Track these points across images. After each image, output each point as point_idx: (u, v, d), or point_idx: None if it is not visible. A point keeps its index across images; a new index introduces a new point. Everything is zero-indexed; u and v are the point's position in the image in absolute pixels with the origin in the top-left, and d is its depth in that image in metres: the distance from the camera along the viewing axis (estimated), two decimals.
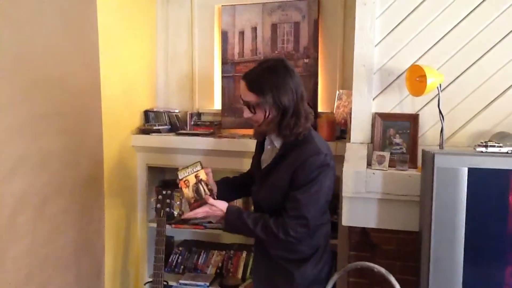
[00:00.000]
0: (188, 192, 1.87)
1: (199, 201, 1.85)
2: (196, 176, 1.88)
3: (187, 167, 1.89)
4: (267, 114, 1.75)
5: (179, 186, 1.88)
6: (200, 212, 1.83)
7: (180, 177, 1.88)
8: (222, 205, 1.84)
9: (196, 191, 1.87)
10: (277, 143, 1.86)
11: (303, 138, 1.80)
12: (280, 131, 1.79)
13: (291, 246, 1.85)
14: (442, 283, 1.71)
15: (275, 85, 1.72)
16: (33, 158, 2.10)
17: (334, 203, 2.65)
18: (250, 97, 1.75)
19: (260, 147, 1.98)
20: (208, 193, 1.88)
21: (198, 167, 1.89)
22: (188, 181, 1.87)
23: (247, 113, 1.80)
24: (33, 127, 2.09)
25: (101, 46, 2.54)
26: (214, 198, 1.86)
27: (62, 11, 2.25)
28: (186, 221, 3.12)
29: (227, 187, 2.06)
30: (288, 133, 1.76)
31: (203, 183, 1.88)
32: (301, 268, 1.87)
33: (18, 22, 1.99)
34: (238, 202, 3.04)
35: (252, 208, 2.10)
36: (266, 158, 1.91)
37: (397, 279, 1.72)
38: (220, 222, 1.87)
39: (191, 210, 1.85)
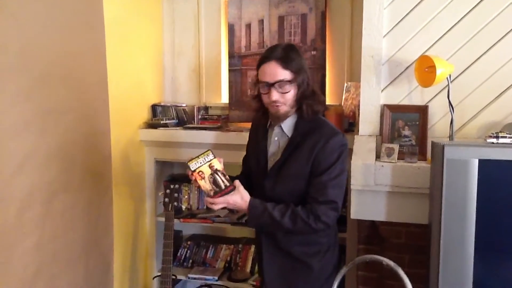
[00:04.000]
0: (205, 184, 1.74)
1: (219, 192, 1.74)
2: (210, 166, 1.75)
3: (198, 157, 1.75)
4: (297, 91, 1.78)
5: (193, 178, 1.74)
6: (220, 202, 1.75)
7: (192, 169, 1.73)
8: (246, 197, 1.78)
9: (214, 182, 1.75)
10: (289, 132, 1.85)
11: (316, 124, 1.81)
12: (300, 110, 1.81)
13: (311, 239, 1.84)
14: (452, 276, 1.69)
15: (302, 64, 1.80)
16: (41, 154, 2.10)
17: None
18: (285, 74, 1.75)
19: (261, 143, 1.94)
20: (228, 184, 1.76)
21: (211, 156, 1.76)
22: (203, 172, 1.74)
23: (275, 95, 1.76)
24: (40, 123, 2.09)
25: (108, 41, 2.53)
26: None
27: (68, 6, 2.24)
28: (194, 215, 3.13)
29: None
30: (307, 110, 1.80)
31: (219, 173, 1.76)
32: (322, 259, 1.87)
33: (24, 19, 1.98)
34: None
35: None
36: (275, 151, 1.88)
37: (406, 273, 1.69)
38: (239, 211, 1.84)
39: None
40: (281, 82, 1.76)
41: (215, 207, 1.76)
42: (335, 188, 1.75)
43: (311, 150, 1.77)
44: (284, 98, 1.77)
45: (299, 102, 1.80)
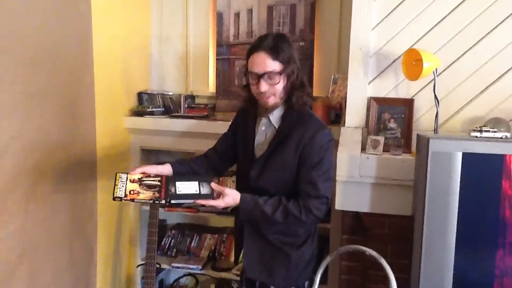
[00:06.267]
0: (144, 195, 1.73)
1: (161, 190, 1.75)
2: (132, 181, 1.77)
3: (115, 185, 1.74)
4: (286, 82, 1.77)
5: (131, 200, 1.73)
6: (211, 204, 1.78)
7: (123, 195, 1.71)
8: (236, 196, 1.79)
9: (149, 187, 1.76)
10: (276, 123, 1.84)
11: (304, 116, 1.81)
12: (289, 101, 1.80)
13: (290, 231, 1.86)
14: (433, 266, 1.72)
15: (292, 54, 1.78)
16: (25, 138, 2.07)
17: None
18: (274, 66, 1.74)
19: (249, 131, 1.94)
20: (159, 178, 1.80)
21: (123, 175, 1.78)
22: (133, 190, 1.74)
23: (264, 86, 1.76)
24: (25, 106, 2.06)
25: (95, 26, 2.49)
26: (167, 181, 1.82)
27: None
28: (179, 204, 3.12)
29: (184, 167, 2.00)
30: (296, 102, 1.79)
31: (144, 179, 1.79)
32: (299, 249, 1.88)
33: (10, 3, 1.94)
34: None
35: None
36: (262, 141, 1.88)
37: (389, 263, 1.73)
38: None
39: (163, 197, 1.74)
40: (270, 73, 1.74)
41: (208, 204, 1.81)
42: (325, 183, 1.78)
43: (298, 142, 1.77)
44: (273, 89, 1.77)
45: (288, 93, 1.80)
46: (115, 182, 1.75)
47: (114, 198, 1.72)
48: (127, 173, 1.80)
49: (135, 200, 1.73)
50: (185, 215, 3.30)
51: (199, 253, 3.18)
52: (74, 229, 2.46)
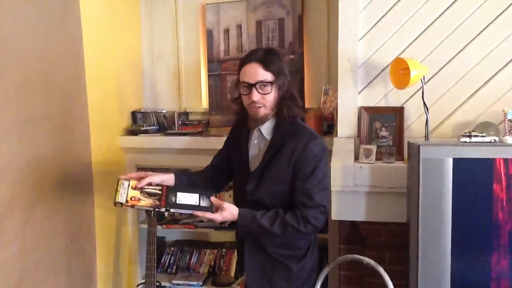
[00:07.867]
0: (145, 202, 1.77)
1: (162, 198, 1.78)
2: (134, 188, 1.80)
3: (116, 191, 1.76)
4: (277, 93, 1.81)
5: (131, 206, 1.77)
6: (209, 217, 1.80)
7: (124, 201, 1.75)
8: (234, 211, 1.80)
9: (150, 195, 1.80)
10: (268, 135, 1.86)
11: (296, 128, 1.84)
12: (279, 113, 1.83)
13: (290, 244, 1.87)
14: (430, 272, 1.73)
15: (283, 67, 1.83)
16: (20, 162, 2.08)
17: None
18: (266, 75, 1.79)
19: (243, 146, 1.96)
20: (160, 187, 1.83)
21: (125, 182, 1.80)
22: (134, 196, 1.77)
23: (256, 95, 1.79)
24: (19, 130, 2.08)
25: (86, 46, 2.52)
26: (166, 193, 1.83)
27: (45, 11, 2.23)
28: (177, 221, 3.13)
29: (187, 178, 2.04)
30: (286, 113, 1.82)
31: (145, 187, 1.82)
32: (300, 262, 1.89)
33: (2, 26, 1.97)
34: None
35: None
36: (256, 154, 1.90)
37: (386, 270, 1.74)
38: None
39: (163, 205, 1.77)
40: (261, 83, 1.79)
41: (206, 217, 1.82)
42: (320, 192, 1.79)
43: (291, 153, 1.79)
44: (264, 99, 1.80)
45: (279, 105, 1.83)
46: (117, 187, 1.79)
47: (115, 204, 1.75)
48: (129, 180, 1.82)
49: (135, 207, 1.77)
50: (184, 231, 3.31)
51: (199, 269, 3.18)
52: (73, 250, 2.46)
